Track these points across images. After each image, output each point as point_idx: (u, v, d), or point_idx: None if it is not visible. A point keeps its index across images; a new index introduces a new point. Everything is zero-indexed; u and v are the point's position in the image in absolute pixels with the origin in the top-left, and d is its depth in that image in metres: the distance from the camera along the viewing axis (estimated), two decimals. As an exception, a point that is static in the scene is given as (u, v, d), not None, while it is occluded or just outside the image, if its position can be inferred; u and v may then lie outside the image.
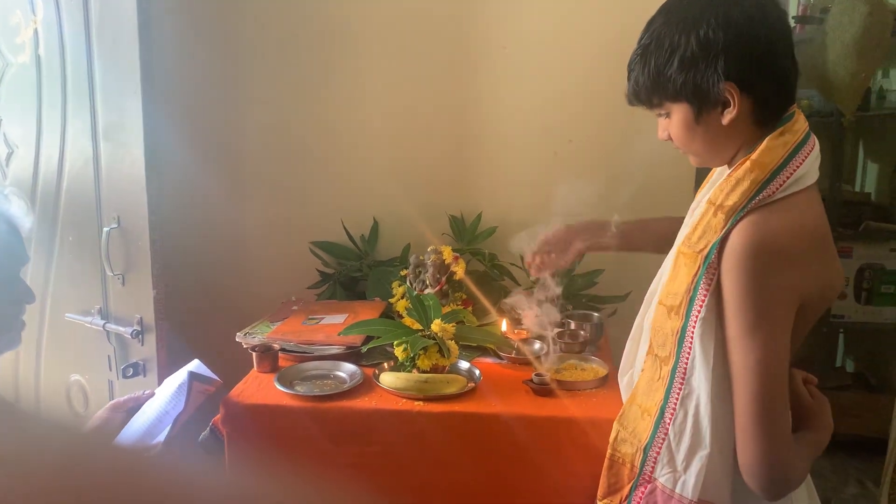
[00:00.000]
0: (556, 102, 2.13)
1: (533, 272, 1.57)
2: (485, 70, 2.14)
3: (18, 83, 1.98)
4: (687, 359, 1.12)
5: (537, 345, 1.74)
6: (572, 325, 1.79)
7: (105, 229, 1.80)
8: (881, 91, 3.15)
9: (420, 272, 1.91)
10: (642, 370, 1.23)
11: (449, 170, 2.20)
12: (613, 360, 1.66)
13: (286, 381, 1.56)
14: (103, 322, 1.86)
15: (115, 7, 1.72)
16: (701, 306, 1.10)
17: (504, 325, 1.79)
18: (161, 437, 1.39)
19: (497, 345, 1.71)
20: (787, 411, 1.09)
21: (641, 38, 1.15)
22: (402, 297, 1.92)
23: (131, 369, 1.82)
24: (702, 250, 1.11)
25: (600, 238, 1.50)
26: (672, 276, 1.17)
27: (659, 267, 1.38)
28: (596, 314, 1.86)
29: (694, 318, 1.11)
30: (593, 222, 1.52)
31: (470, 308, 1.90)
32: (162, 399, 1.42)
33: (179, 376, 1.45)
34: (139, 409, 1.44)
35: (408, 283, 1.93)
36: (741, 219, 1.08)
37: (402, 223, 2.21)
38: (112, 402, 1.45)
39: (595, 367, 1.63)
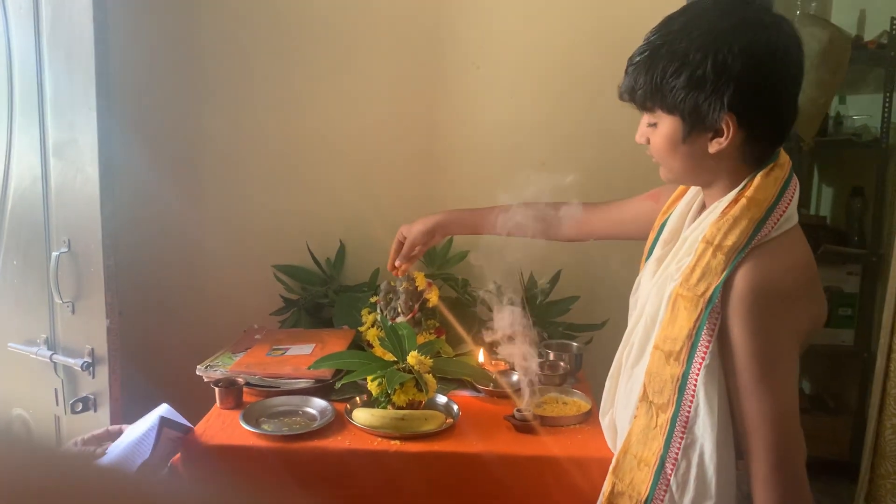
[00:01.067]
0: (530, 123, 2.09)
1: (398, 273, 1.73)
2: (457, 89, 2.09)
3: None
4: (689, 407, 1.08)
5: (516, 377, 1.67)
6: (551, 356, 1.73)
7: (54, 253, 1.67)
8: (838, 117, 3.21)
9: (391, 299, 1.83)
10: (635, 417, 1.18)
11: (419, 191, 2.13)
12: (593, 393, 1.61)
13: (252, 418, 1.46)
14: (50, 353, 1.73)
15: (68, 16, 1.61)
16: (705, 353, 1.06)
17: (481, 356, 1.72)
18: None
19: (475, 377, 1.64)
20: (802, 451, 1.06)
21: (653, 36, 1.08)
22: (373, 326, 1.84)
23: (81, 404, 1.69)
24: (703, 294, 1.07)
25: (454, 229, 1.69)
26: (670, 319, 1.12)
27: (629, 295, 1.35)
28: (574, 343, 1.81)
29: (697, 365, 1.07)
30: (446, 216, 1.66)
31: (443, 337, 1.83)
32: (125, 444, 1.31)
33: (147, 421, 1.34)
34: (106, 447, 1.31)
35: (378, 310, 1.84)
36: (742, 260, 1.05)
37: (370, 246, 2.13)
38: (72, 441, 1.32)
39: (577, 401, 1.57)
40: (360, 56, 2.08)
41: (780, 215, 1.07)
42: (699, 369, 1.07)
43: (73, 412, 1.69)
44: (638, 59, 1.09)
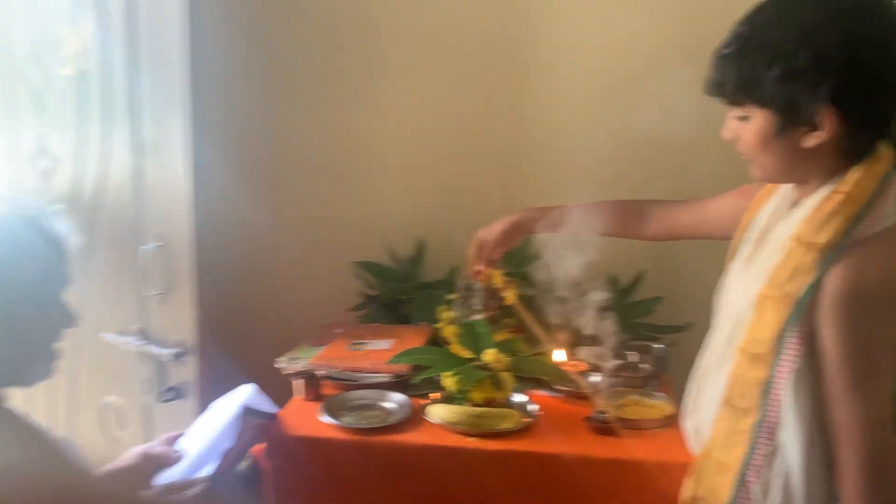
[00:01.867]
0: (613, 123, 2.04)
1: (480, 279, 1.68)
2: (543, 83, 2.05)
3: (62, 96, 1.93)
4: (775, 412, 1.04)
5: (596, 377, 1.64)
6: (632, 358, 1.69)
7: (146, 248, 1.75)
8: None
9: (469, 297, 1.83)
10: (717, 420, 1.14)
11: (499, 190, 2.11)
12: (677, 396, 1.56)
13: (332, 410, 1.48)
14: (141, 343, 1.80)
15: (162, 20, 1.67)
16: (793, 357, 1.01)
17: (559, 356, 1.69)
18: (209, 471, 1.32)
19: (552, 377, 1.62)
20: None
21: (742, 27, 1.03)
22: (450, 323, 1.84)
23: (170, 393, 1.76)
24: (792, 294, 1.02)
25: (533, 227, 1.61)
26: (756, 320, 1.08)
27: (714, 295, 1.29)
28: (657, 345, 1.76)
29: (784, 369, 1.02)
30: (525, 214, 1.61)
31: (521, 335, 1.81)
32: (215, 428, 1.35)
33: (233, 402, 1.38)
34: (167, 466, 1.34)
35: (456, 308, 1.84)
36: (836, 259, 0.99)
37: (449, 244, 2.12)
38: (142, 448, 1.35)
39: (660, 404, 1.53)
40: (441, 55, 2.08)
41: (880, 213, 1.01)
42: (786, 374, 1.03)
43: (163, 401, 1.76)
44: (726, 51, 1.05)
